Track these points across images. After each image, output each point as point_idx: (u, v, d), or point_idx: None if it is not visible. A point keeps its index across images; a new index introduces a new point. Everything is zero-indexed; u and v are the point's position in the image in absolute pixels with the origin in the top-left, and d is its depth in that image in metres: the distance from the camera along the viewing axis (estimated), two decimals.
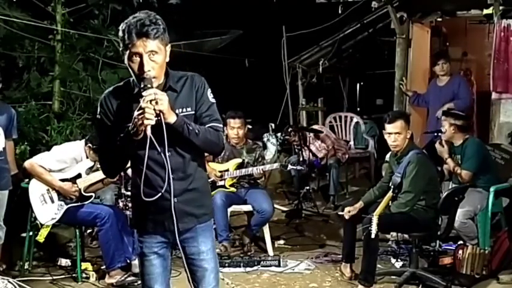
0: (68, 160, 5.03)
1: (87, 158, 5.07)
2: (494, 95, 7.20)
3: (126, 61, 2.68)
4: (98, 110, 2.81)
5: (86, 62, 7.49)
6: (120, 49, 2.71)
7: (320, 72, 9.90)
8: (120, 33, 2.64)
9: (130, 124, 2.58)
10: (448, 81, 7.02)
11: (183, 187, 2.77)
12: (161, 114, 2.57)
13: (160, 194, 2.69)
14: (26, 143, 6.23)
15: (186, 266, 2.88)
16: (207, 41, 10.02)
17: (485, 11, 7.06)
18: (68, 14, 7.21)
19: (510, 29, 6.94)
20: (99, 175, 5.00)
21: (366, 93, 10.48)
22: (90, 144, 5.03)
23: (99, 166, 4.96)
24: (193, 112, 2.78)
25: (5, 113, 4.99)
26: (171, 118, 2.61)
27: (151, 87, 2.58)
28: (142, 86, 2.58)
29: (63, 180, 4.98)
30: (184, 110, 2.75)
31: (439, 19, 8.19)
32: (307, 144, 7.82)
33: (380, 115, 8.42)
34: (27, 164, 5.02)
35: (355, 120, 9.03)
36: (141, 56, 2.61)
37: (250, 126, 6.43)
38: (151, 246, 2.86)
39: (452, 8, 7.70)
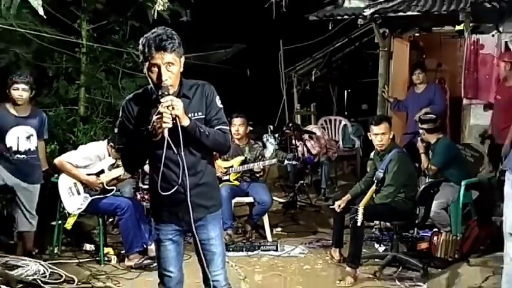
0: (92, 157, 5.04)
1: (109, 155, 5.09)
2: (465, 101, 7.21)
3: (145, 71, 2.69)
4: (120, 114, 2.83)
5: (108, 72, 7.49)
6: (140, 60, 2.71)
7: (313, 81, 9.92)
8: (140, 47, 2.65)
9: (150, 127, 2.59)
10: (425, 88, 7.03)
11: (195, 182, 2.78)
12: (177, 118, 2.58)
13: (175, 188, 2.70)
14: (55, 143, 6.23)
15: (199, 250, 2.87)
16: (214, 54, 10.03)
17: (457, 27, 7.06)
18: (92, 30, 7.22)
19: (479, 43, 6.95)
20: (120, 171, 5.02)
21: (352, 99, 10.48)
22: (111, 144, 5.04)
23: (119, 163, 4.99)
24: (203, 116, 2.79)
25: (37, 116, 5.00)
26: (185, 122, 2.62)
27: (168, 94, 2.59)
28: (160, 93, 2.59)
29: (88, 175, 5.00)
30: (196, 114, 2.76)
31: (417, 34, 8.18)
32: (303, 140, 7.83)
33: (365, 118, 8.47)
34: (56, 161, 5.03)
35: (343, 122, 9.03)
36: (159, 67, 2.62)
37: (251, 128, 6.44)
38: (167, 234, 2.88)
39: (428, 25, 7.69)
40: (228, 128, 2.87)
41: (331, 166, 8.05)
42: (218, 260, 2.90)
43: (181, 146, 2.63)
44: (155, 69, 2.63)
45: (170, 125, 2.57)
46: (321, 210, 7.00)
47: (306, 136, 7.94)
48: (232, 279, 4.55)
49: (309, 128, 8.63)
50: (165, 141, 2.59)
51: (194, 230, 2.77)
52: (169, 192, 2.70)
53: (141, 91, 2.87)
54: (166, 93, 2.58)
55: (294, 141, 7.80)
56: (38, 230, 5.03)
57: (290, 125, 7.89)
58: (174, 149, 2.63)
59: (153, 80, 2.67)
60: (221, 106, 2.85)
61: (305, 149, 7.84)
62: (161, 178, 2.70)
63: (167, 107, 2.54)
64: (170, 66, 2.64)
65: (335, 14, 7.73)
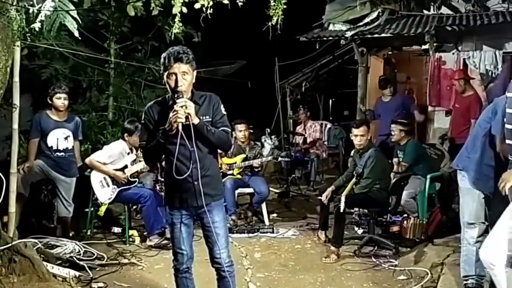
0: (116, 155, 5.03)
1: (131, 152, 5.06)
2: (430, 108, 7.21)
3: (165, 78, 2.75)
4: (143, 117, 2.89)
5: (132, 84, 7.49)
6: (161, 72, 2.80)
7: (303, 91, 9.90)
8: (162, 60, 2.74)
9: (167, 123, 2.66)
10: (391, 98, 6.94)
11: (202, 173, 2.77)
12: (189, 116, 2.65)
13: (187, 174, 2.74)
14: (88, 143, 6.22)
15: (206, 231, 2.89)
16: (220, 69, 10.02)
17: (424, 47, 7.06)
18: (118, 49, 7.22)
19: (441, 60, 6.95)
20: (141, 165, 5.04)
21: (336, 106, 10.45)
22: (126, 133, 5.03)
23: (139, 159, 5.00)
24: (210, 119, 2.82)
25: (73, 121, 5.00)
26: (195, 120, 2.69)
27: (183, 97, 2.66)
28: (176, 96, 2.67)
29: (115, 170, 4.99)
30: (204, 117, 2.80)
31: (390, 52, 8.18)
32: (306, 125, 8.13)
33: (347, 122, 8.45)
34: (87, 160, 5.01)
35: (328, 126, 9.01)
36: (176, 75, 2.70)
37: (252, 131, 6.45)
38: (179, 218, 2.88)
39: (399, 44, 7.70)
40: (230, 130, 2.89)
41: (319, 162, 8.05)
42: (222, 240, 2.87)
43: (193, 139, 2.67)
44: (173, 77, 2.71)
45: (183, 121, 2.64)
46: (310, 199, 6.98)
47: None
48: (235, 257, 4.53)
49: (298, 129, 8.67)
50: (179, 135, 2.65)
51: (206, 209, 2.78)
52: (182, 177, 2.73)
53: (160, 99, 2.93)
54: (181, 96, 2.66)
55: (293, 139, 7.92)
56: (74, 215, 5.02)
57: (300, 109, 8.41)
58: (187, 141, 2.67)
59: (170, 86, 2.73)
60: (225, 113, 2.88)
61: (301, 141, 8.05)
62: (174, 169, 2.73)
63: (181, 106, 2.63)
64: (185, 75, 2.72)
65: (321, 36, 7.72)
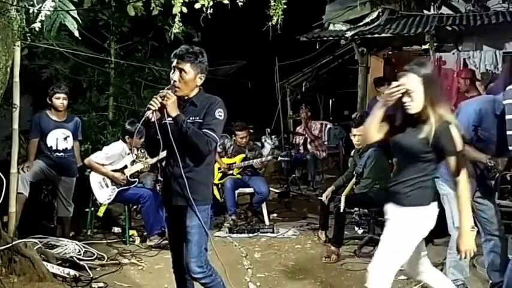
0: (115, 156, 5.02)
1: (130, 152, 5.06)
2: None
3: (171, 72, 2.78)
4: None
5: (132, 84, 7.48)
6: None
7: (303, 91, 9.90)
8: (172, 55, 2.78)
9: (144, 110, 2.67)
10: None
11: (182, 172, 2.68)
12: (166, 107, 2.62)
13: (168, 172, 2.78)
14: (88, 143, 6.22)
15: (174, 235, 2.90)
16: (221, 69, 10.01)
17: (424, 47, 7.07)
18: (119, 49, 7.22)
19: (441, 60, 6.96)
20: (140, 165, 5.04)
21: (336, 106, 10.45)
22: (127, 135, 5.01)
23: (139, 159, 5.01)
24: (201, 121, 2.73)
25: (72, 121, 5.00)
26: (173, 113, 2.65)
27: (170, 90, 2.67)
28: (167, 88, 2.70)
29: (114, 170, 4.98)
30: (194, 118, 2.74)
31: (390, 52, 8.19)
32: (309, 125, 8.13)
33: (347, 122, 8.45)
34: (86, 161, 4.99)
35: (328, 126, 9.00)
36: (175, 69, 2.73)
37: (251, 131, 6.46)
38: (168, 217, 2.96)
39: (399, 44, 7.71)
40: (213, 135, 2.67)
41: (318, 162, 8.06)
42: (193, 249, 2.67)
43: (170, 132, 2.63)
44: (173, 72, 2.75)
45: (155, 108, 2.61)
46: (310, 199, 6.99)
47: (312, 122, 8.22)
48: (235, 257, 4.58)
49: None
50: (156, 125, 2.64)
51: (193, 208, 2.70)
52: (167, 174, 2.78)
53: None
54: (170, 89, 2.68)
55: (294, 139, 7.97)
56: (74, 215, 5.02)
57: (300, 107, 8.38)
58: (158, 133, 2.63)
59: (171, 79, 2.76)
60: (218, 117, 2.71)
61: (301, 142, 8.06)
62: (164, 166, 2.82)
63: (161, 96, 2.63)
64: (182, 73, 2.72)
65: (321, 36, 7.73)
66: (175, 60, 2.72)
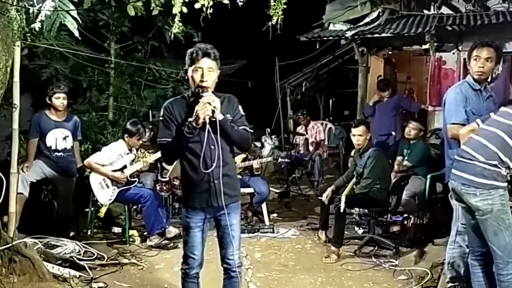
0: (115, 156, 5.00)
1: (130, 152, 5.06)
2: (430, 108, 7.20)
3: (190, 73, 2.73)
4: (162, 113, 2.81)
5: (132, 84, 7.50)
6: (184, 68, 2.80)
7: (303, 91, 9.91)
8: (189, 54, 2.73)
9: (193, 116, 2.62)
10: (389, 98, 6.91)
11: (223, 172, 2.72)
12: (215, 110, 2.63)
13: (207, 173, 2.69)
14: (88, 143, 6.23)
15: (221, 233, 2.86)
16: (220, 69, 9.95)
17: (424, 47, 7.06)
18: (119, 48, 7.24)
19: (441, 60, 6.97)
20: (140, 165, 5.04)
21: (336, 106, 10.47)
22: (126, 134, 5.00)
23: (139, 159, 5.00)
24: (231, 118, 2.80)
25: (71, 121, 5.01)
26: (220, 116, 2.66)
27: (202, 91, 2.65)
28: (201, 90, 2.66)
29: (114, 170, 4.98)
30: (226, 115, 2.76)
31: (390, 52, 8.18)
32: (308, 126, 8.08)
33: (347, 122, 8.45)
34: (85, 162, 4.97)
35: (328, 126, 9.02)
36: (202, 69, 2.69)
37: (252, 131, 6.45)
38: (196, 222, 2.80)
39: (399, 44, 7.70)
40: (250, 130, 2.87)
41: (323, 162, 8.07)
42: (236, 243, 2.83)
43: (218, 135, 2.64)
44: (198, 72, 2.69)
45: (210, 113, 2.61)
46: (310, 199, 6.99)
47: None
48: None
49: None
50: (206, 130, 2.61)
51: (225, 207, 2.72)
52: (209, 171, 2.68)
53: (179, 97, 2.90)
54: (206, 90, 2.65)
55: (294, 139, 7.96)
56: (74, 215, 5.02)
57: (299, 114, 8.26)
58: (213, 136, 2.63)
59: (195, 80, 2.71)
60: (243, 114, 2.87)
61: (301, 142, 8.03)
62: (196, 167, 2.70)
63: (208, 102, 2.61)
64: (210, 71, 2.70)
65: (322, 36, 7.72)
66: (202, 59, 2.67)
